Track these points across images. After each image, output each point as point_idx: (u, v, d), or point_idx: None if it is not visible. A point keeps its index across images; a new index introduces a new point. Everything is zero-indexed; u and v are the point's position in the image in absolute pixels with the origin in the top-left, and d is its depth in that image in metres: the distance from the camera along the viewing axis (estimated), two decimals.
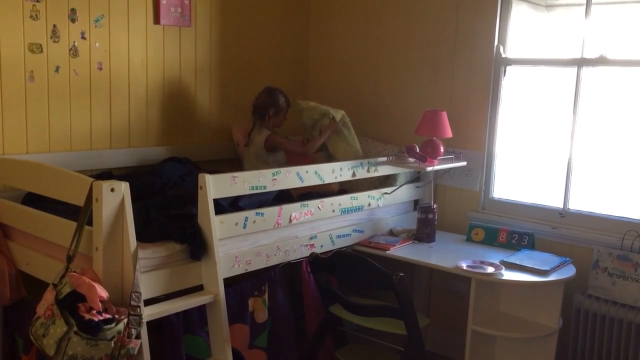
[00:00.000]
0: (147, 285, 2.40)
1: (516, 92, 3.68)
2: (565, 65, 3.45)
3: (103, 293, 2.16)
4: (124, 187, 2.28)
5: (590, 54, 3.35)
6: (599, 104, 3.38)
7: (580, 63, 3.37)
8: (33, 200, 2.82)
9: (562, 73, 3.49)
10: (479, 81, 3.68)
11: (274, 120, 3.56)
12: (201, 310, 2.67)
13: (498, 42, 3.63)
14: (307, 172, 3.10)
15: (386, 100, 4.10)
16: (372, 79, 4.16)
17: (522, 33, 3.63)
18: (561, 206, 3.49)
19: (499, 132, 3.71)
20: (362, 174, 3.40)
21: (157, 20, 3.50)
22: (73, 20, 3.15)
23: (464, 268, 3.08)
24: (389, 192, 3.58)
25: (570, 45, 3.43)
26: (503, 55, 3.63)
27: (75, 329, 2.10)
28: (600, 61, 3.32)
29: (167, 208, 2.73)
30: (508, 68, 3.66)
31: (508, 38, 3.63)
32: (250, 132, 3.60)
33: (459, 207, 3.83)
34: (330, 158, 3.58)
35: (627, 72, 3.32)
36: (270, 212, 2.93)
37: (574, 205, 3.47)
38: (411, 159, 3.47)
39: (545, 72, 3.60)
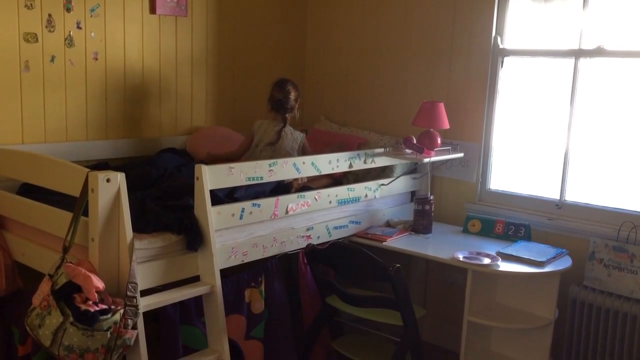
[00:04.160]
0: (143, 276, 2.39)
1: (513, 83, 3.67)
2: (563, 57, 3.45)
3: (99, 284, 2.16)
4: (119, 178, 2.27)
5: (587, 45, 3.34)
6: (596, 95, 3.38)
7: (578, 54, 3.37)
8: (29, 190, 2.81)
9: (560, 64, 3.48)
10: (477, 72, 3.68)
11: (294, 114, 3.49)
12: (198, 300, 2.67)
13: (496, 33, 3.62)
14: (303, 163, 3.09)
15: (383, 91, 4.09)
16: (370, 70, 4.15)
17: (519, 24, 3.62)
18: (558, 197, 3.50)
19: (496, 123, 3.71)
20: (359, 165, 3.40)
21: (153, 10, 3.48)
22: (68, 10, 3.13)
23: (461, 259, 3.08)
24: (385, 183, 3.58)
25: (567, 36, 3.43)
26: (500, 46, 3.62)
27: (71, 319, 2.10)
28: (598, 52, 3.31)
29: (164, 199, 2.73)
30: (505, 59, 3.65)
31: (506, 29, 3.62)
32: (281, 130, 3.41)
33: (456, 199, 3.83)
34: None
35: (624, 64, 3.31)
36: (267, 203, 2.92)
37: (571, 196, 3.47)
38: (408, 151, 3.47)
39: (542, 63, 3.59)
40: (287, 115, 3.45)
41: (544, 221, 3.47)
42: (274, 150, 3.40)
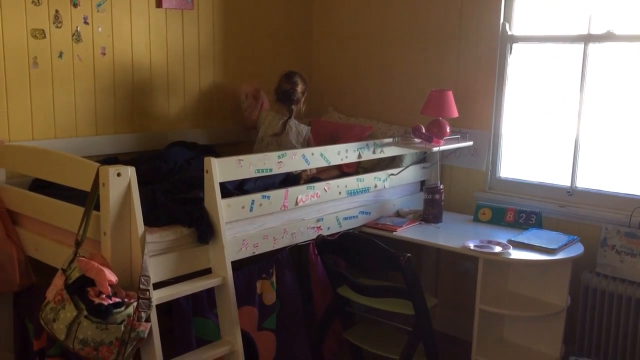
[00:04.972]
0: (155, 269, 2.41)
1: (523, 70, 3.65)
2: (572, 42, 3.42)
3: (112, 277, 2.17)
4: (130, 172, 2.28)
5: (597, 30, 3.31)
6: (606, 81, 3.35)
7: (587, 39, 3.34)
8: (40, 186, 2.82)
9: (569, 50, 3.45)
10: (485, 60, 3.65)
11: (299, 107, 3.52)
12: (210, 293, 2.69)
13: (504, 20, 3.59)
14: (312, 154, 3.09)
15: (391, 80, 4.08)
16: (377, 59, 4.13)
17: (527, 10, 3.59)
18: (569, 184, 3.48)
19: (506, 111, 3.69)
20: (367, 155, 3.39)
21: (159, 4, 3.48)
22: (75, 5, 3.13)
23: (472, 248, 3.07)
24: (395, 173, 3.58)
25: (576, 22, 3.39)
26: (509, 33, 3.59)
27: (85, 313, 2.12)
28: (608, 37, 3.28)
29: (174, 192, 2.73)
30: (514, 46, 3.62)
31: (514, 15, 3.59)
32: (286, 121, 3.44)
33: (466, 187, 3.82)
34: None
35: (634, 48, 3.27)
36: (277, 194, 2.92)
37: (582, 183, 3.45)
38: (417, 140, 3.46)
39: (551, 49, 3.56)
40: (292, 107, 3.46)
41: (555, 208, 3.46)
42: (279, 143, 3.41)
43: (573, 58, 3.41)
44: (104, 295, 2.14)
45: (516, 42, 3.61)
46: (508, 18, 3.59)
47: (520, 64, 3.65)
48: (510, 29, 3.59)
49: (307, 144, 3.48)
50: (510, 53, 3.63)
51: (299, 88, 3.48)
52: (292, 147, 3.39)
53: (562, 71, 3.50)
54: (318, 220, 3.17)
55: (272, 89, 3.54)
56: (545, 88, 3.59)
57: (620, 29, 3.24)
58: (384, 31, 4.07)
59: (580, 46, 3.37)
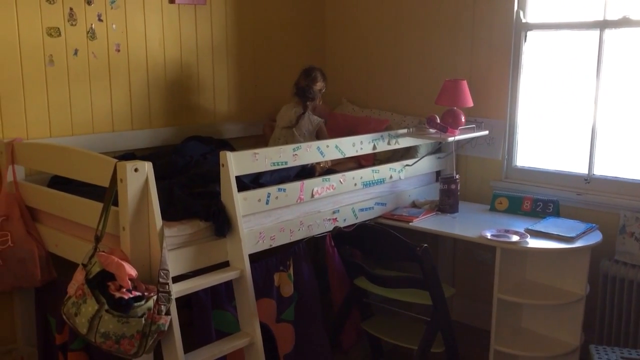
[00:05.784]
0: (174, 262, 2.43)
1: (538, 58, 3.62)
2: (587, 28, 3.38)
3: (132, 271, 2.19)
4: (147, 167, 2.30)
5: (612, 16, 3.27)
6: (622, 67, 3.31)
7: (603, 25, 3.30)
8: (59, 182, 2.86)
9: (584, 36, 3.42)
10: (500, 48, 3.63)
11: (315, 103, 3.56)
12: (228, 285, 2.71)
13: (518, 7, 3.56)
14: (327, 146, 3.09)
15: (405, 71, 4.06)
16: (391, 50, 4.12)
17: None
18: (586, 172, 3.45)
19: (521, 99, 3.66)
20: (382, 146, 3.39)
21: (172, 0, 3.49)
22: (89, 3, 3.15)
23: (489, 237, 3.06)
24: (410, 164, 3.57)
25: (592, 7, 3.36)
26: (523, 21, 3.56)
27: (106, 307, 2.14)
28: (624, 23, 3.24)
29: (190, 186, 2.75)
30: (529, 33, 3.59)
31: (528, 2, 3.56)
32: (302, 115, 3.47)
33: (482, 177, 3.80)
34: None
35: None
36: (293, 187, 2.93)
37: (599, 170, 3.43)
38: (432, 130, 3.45)
39: (566, 36, 3.53)
40: (307, 103, 3.49)
41: (573, 196, 3.43)
42: (291, 134, 3.44)
43: (589, 44, 3.37)
44: (124, 289, 2.16)
45: (531, 29, 3.58)
46: (522, 5, 3.56)
47: (535, 52, 3.61)
48: (524, 17, 3.56)
49: (318, 134, 3.48)
50: (525, 41, 3.60)
51: (317, 85, 3.54)
52: (302, 135, 3.41)
53: (578, 58, 3.47)
54: (334, 212, 3.18)
55: (286, 81, 3.55)
56: (561, 75, 3.56)
57: (636, 14, 3.20)
58: (397, 21, 4.05)
59: (595, 32, 3.33)
